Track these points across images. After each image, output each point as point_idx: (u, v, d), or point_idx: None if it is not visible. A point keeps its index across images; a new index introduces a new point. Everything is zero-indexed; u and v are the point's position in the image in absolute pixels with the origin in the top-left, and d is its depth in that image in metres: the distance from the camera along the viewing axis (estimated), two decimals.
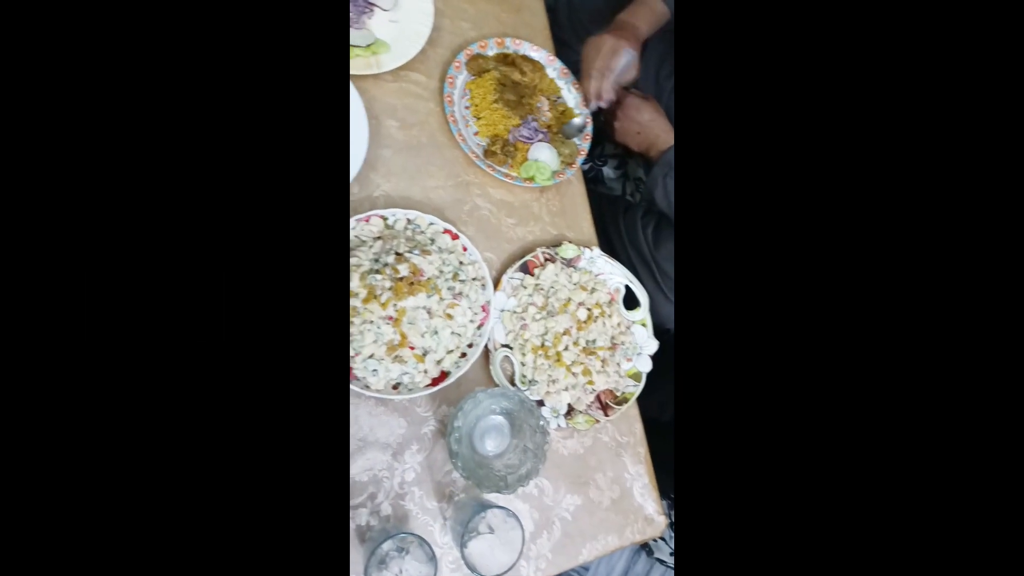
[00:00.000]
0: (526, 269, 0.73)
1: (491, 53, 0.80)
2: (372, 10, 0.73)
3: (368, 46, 0.71)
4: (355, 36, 0.70)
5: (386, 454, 0.63)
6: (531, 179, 0.77)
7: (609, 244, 0.90)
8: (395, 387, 0.62)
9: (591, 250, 0.75)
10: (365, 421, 0.63)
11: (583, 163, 0.82)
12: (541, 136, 0.79)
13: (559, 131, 0.80)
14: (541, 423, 0.60)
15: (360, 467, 0.61)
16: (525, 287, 0.72)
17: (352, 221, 0.64)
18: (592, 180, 1.15)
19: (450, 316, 0.63)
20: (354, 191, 0.69)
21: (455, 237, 0.68)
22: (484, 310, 0.68)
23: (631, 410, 0.72)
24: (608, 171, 1.17)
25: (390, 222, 0.66)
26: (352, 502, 0.60)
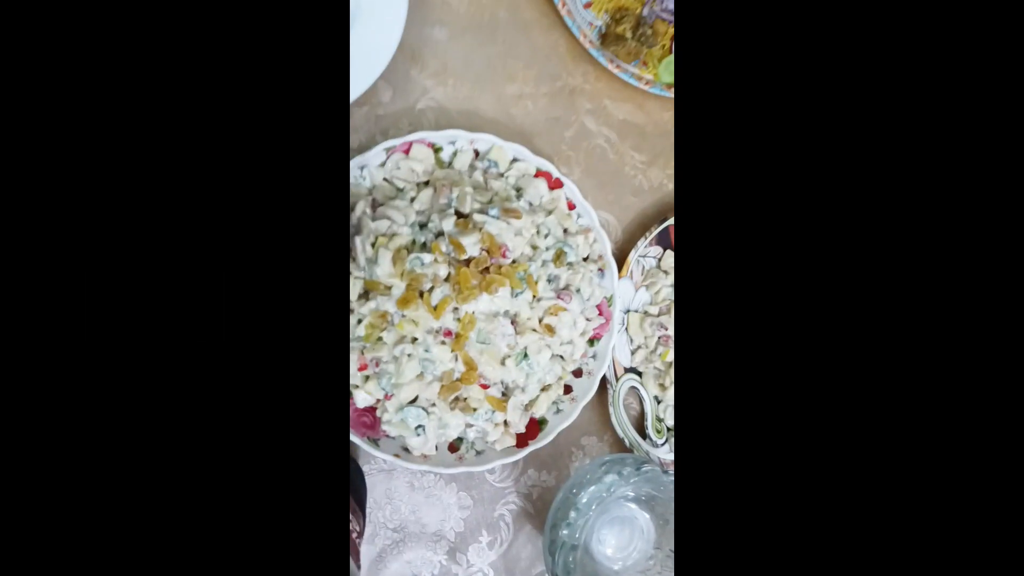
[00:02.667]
0: (667, 241, 0.43)
1: None
2: None
3: None
4: None
5: (439, 551, 0.38)
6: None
7: None
8: (452, 447, 0.36)
9: None
10: (403, 499, 0.38)
11: None
12: None
13: None
14: None
15: (396, 572, 0.37)
16: (664, 271, 0.43)
17: (379, 152, 0.36)
18: None
19: (551, 329, 0.36)
20: (384, 98, 0.40)
21: (556, 185, 0.39)
22: (601, 312, 0.39)
23: None
24: None
25: (446, 155, 0.38)
26: None
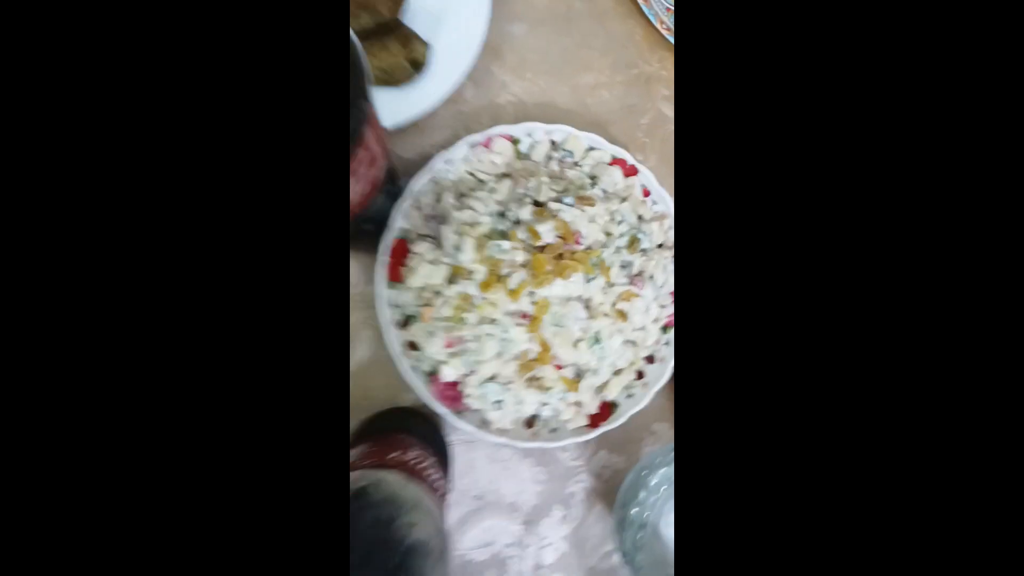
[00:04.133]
0: None
1: None
2: None
3: None
4: None
5: (514, 521, 0.40)
6: None
7: None
8: (529, 423, 0.38)
9: None
10: (483, 470, 0.40)
11: None
12: None
13: None
14: None
15: (475, 539, 0.40)
16: None
17: (463, 146, 0.38)
18: None
19: (623, 315, 0.37)
20: (467, 95, 0.42)
21: (631, 172, 0.40)
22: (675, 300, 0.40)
23: None
24: None
25: (524, 147, 0.40)
26: None
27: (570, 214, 0.35)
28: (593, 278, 0.36)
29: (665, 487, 0.34)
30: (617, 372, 0.38)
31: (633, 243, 0.37)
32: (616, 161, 0.40)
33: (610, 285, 0.36)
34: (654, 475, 0.34)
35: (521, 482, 0.41)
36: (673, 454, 0.35)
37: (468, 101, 0.42)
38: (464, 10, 0.41)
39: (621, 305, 0.37)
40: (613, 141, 0.41)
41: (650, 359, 0.40)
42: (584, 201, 0.36)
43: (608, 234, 0.37)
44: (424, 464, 0.30)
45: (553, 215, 0.35)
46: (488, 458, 0.40)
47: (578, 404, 0.38)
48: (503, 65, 0.43)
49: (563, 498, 0.41)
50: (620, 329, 0.37)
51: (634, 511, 0.34)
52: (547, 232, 0.35)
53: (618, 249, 0.37)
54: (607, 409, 0.39)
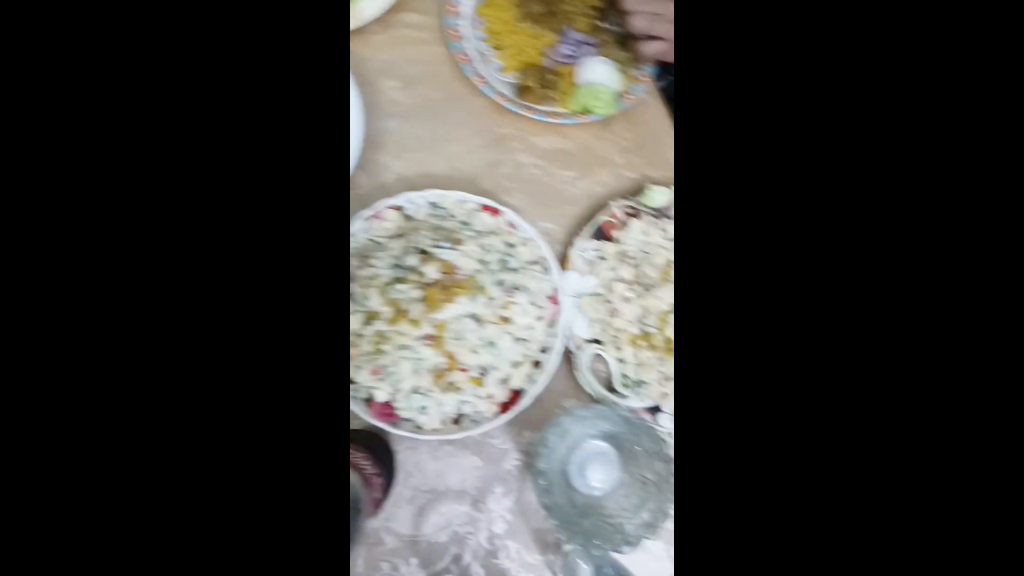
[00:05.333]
0: (601, 234, 0.54)
1: None
2: None
3: None
4: None
5: (464, 504, 0.49)
6: (586, 111, 0.57)
7: None
8: (456, 421, 0.48)
9: None
10: (430, 467, 0.50)
11: (656, 72, 0.60)
12: (589, 49, 0.58)
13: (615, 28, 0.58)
14: (661, 447, 0.43)
15: (434, 525, 0.49)
16: (605, 258, 0.54)
17: (360, 221, 0.50)
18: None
19: (506, 319, 0.47)
20: (359, 182, 0.54)
21: (495, 212, 0.51)
22: (553, 300, 0.50)
23: None
24: None
25: (409, 211, 0.51)
26: (431, 570, 0.48)
27: (447, 254, 0.47)
28: (475, 297, 0.46)
29: (556, 439, 0.43)
30: (516, 365, 0.48)
31: (503, 265, 0.48)
32: (484, 207, 0.52)
33: (490, 299, 0.47)
34: (549, 434, 0.44)
35: (463, 471, 0.50)
36: (564, 415, 0.45)
37: (363, 186, 0.54)
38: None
39: (503, 313, 0.47)
40: (484, 192, 0.53)
41: (544, 350, 0.50)
42: (456, 242, 0.47)
43: (482, 262, 0.48)
44: (356, 456, 0.40)
45: (434, 258, 0.46)
46: (431, 457, 0.50)
47: (489, 396, 0.48)
48: (385, 153, 0.55)
49: (501, 476, 0.50)
50: (508, 331, 0.47)
51: (540, 463, 0.43)
52: (432, 271, 0.46)
53: (492, 271, 0.48)
54: (515, 395, 0.49)
